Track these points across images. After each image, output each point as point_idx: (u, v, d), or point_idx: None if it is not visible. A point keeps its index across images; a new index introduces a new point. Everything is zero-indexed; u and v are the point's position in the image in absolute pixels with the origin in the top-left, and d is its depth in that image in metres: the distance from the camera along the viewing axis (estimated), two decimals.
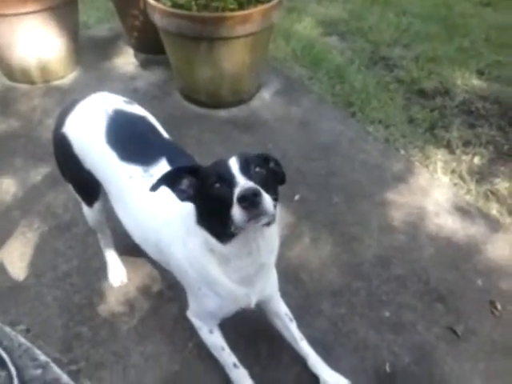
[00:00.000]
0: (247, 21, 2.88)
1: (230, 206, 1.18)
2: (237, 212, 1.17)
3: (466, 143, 2.96)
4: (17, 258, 2.25)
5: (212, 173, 1.29)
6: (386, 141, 3.02)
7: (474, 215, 2.49)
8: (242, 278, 1.45)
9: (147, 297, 2.08)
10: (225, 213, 1.20)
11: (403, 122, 3.16)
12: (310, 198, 2.60)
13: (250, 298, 1.53)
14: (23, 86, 3.54)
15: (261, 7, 2.94)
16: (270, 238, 1.42)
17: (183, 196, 1.36)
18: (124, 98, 1.82)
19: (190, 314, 1.70)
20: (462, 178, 2.72)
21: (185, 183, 1.36)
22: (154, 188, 1.33)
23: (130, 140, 1.66)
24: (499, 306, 2.04)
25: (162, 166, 1.58)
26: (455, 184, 2.69)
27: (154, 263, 2.15)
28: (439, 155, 2.87)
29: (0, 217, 2.47)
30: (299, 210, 2.52)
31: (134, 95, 3.37)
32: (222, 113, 3.26)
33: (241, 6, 2.96)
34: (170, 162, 1.60)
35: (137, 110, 1.79)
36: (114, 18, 4.20)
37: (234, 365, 1.69)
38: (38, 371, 0.86)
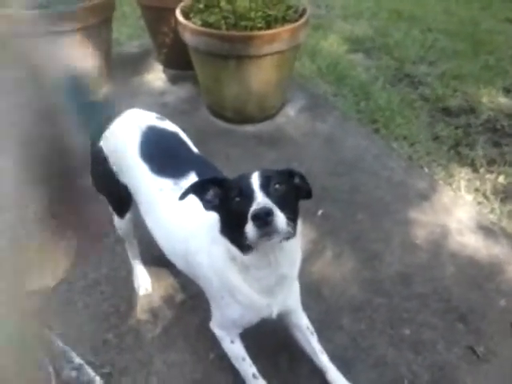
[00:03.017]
0: (275, 40, 2.96)
1: (246, 220, 1.25)
2: (250, 228, 1.25)
3: (491, 162, 2.95)
4: (51, 264, 2.33)
5: (235, 186, 1.37)
6: (409, 158, 3.03)
7: (498, 235, 2.48)
8: (263, 287, 1.50)
9: (171, 306, 2.15)
10: (242, 226, 1.27)
11: (427, 139, 3.18)
12: (334, 214, 2.63)
13: (271, 308, 1.58)
14: None
15: (288, 26, 3.02)
16: (290, 252, 1.48)
17: (209, 205, 1.44)
18: (156, 115, 1.92)
19: (213, 325, 1.75)
20: (485, 196, 2.71)
21: (211, 193, 1.44)
22: (183, 196, 1.42)
23: (162, 154, 1.76)
24: None
25: (191, 179, 1.66)
26: (479, 203, 2.69)
27: (177, 274, 2.22)
28: (463, 173, 2.88)
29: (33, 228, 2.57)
30: (322, 226, 2.55)
31: (163, 110, 3.47)
32: (248, 128, 3.34)
33: (268, 25, 3.05)
34: (199, 175, 1.69)
35: (168, 125, 1.88)
36: (145, 35, 4.35)
37: (254, 375, 1.73)
38: (74, 373, 0.93)
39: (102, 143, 1.85)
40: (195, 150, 1.86)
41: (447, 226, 2.55)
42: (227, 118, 3.38)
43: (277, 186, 1.34)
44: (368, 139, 3.23)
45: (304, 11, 3.19)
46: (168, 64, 4.11)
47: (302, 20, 3.09)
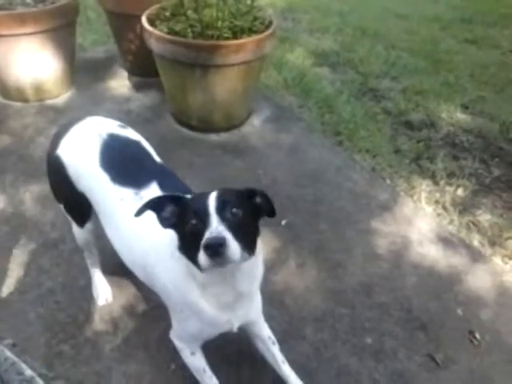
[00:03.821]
0: (241, 50, 2.97)
1: (199, 245, 1.22)
2: (202, 257, 1.23)
3: (450, 175, 3.03)
4: (2, 273, 2.24)
5: (191, 207, 1.33)
6: (372, 170, 3.09)
7: (457, 245, 2.54)
8: (221, 304, 1.48)
9: (132, 316, 2.09)
10: (197, 248, 1.24)
11: (390, 152, 3.24)
12: (297, 224, 2.63)
13: (231, 323, 1.56)
14: (17, 104, 3.58)
15: (254, 37, 3.03)
16: (249, 270, 1.45)
17: (166, 223, 1.40)
18: (118, 123, 1.86)
19: (173, 336, 1.71)
20: (445, 208, 2.78)
21: (168, 211, 1.39)
22: (139, 213, 1.37)
23: (123, 163, 1.70)
24: (478, 336, 2.07)
25: (153, 190, 1.62)
26: (439, 214, 2.75)
27: (139, 283, 2.14)
28: (424, 186, 2.94)
29: None
30: (286, 235, 2.55)
31: (128, 117, 3.43)
32: (213, 137, 3.32)
33: (235, 35, 3.05)
34: (161, 185, 1.64)
35: (131, 134, 1.83)
36: (110, 41, 4.29)
37: None
38: None
39: (59, 151, 1.76)
40: (158, 159, 1.81)
41: (408, 236, 2.60)
42: (192, 127, 3.35)
43: (234, 210, 1.29)
44: (332, 151, 3.26)
45: (270, 23, 3.22)
46: (133, 71, 4.06)
47: (269, 31, 3.11)
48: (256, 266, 1.49)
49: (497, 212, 2.76)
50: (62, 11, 3.39)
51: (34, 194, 2.72)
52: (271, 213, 1.42)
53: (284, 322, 2.09)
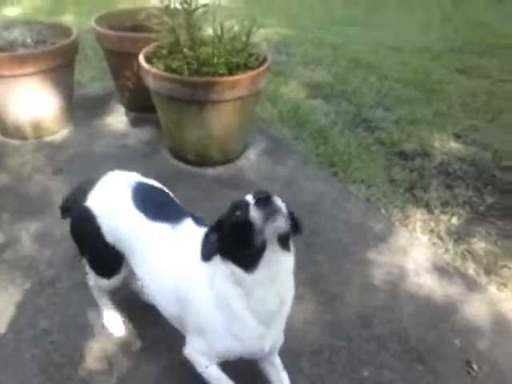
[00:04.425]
0: (236, 86, 3.04)
1: (248, 224, 1.32)
2: (254, 213, 1.31)
3: (444, 203, 3.06)
4: None
5: (232, 209, 1.44)
6: (367, 200, 3.12)
7: (452, 274, 2.55)
8: (267, 311, 1.51)
9: (127, 354, 2.07)
10: (245, 233, 1.33)
11: (384, 182, 3.28)
12: (294, 256, 2.63)
13: (263, 341, 1.58)
14: (15, 142, 3.64)
15: (249, 73, 3.11)
16: (288, 268, 1.54)
17: (211, 253, 1.50)
18: (139, 174, 1.98)
19: (192, 351, 1.71)
20: (440, 237, 2.80)
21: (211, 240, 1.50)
22: (209, 256, 1.50)
23: (155, 204, 1.84)
24: (475, 367, 2.06)
25: (188, 224, 1.76)
26: (434, 243, 2.77)
27: (134, 320, 2.17)
28: (418, 215, 2.97)
29: None
30: None
31: (125, 152, 3.48)
32: (210, 171, 3.37)
33: (230, 72, 3.13)
34: (195, 221, 1.79)
35: (154, 182, 1.97)
36: (107, 77, 4.38)
37: None
38: None
39: (88, 203, 1.83)
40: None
41: (404, 266, 2.61)
42: (189, 161, 3.40)
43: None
44: (326, 182, 3.30)
45: (265, 59, 3.30)
46: (130, 107, 4.14)
47: (263, 67, 3.19)
48: (291, 268, 1.56)
49: (491, 240, 2.77)
50: (61, 52, 3.48)
51: (30, 232, 2.74)
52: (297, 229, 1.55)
53: (281, 355, 2.05)
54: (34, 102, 3.51)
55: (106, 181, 1.90)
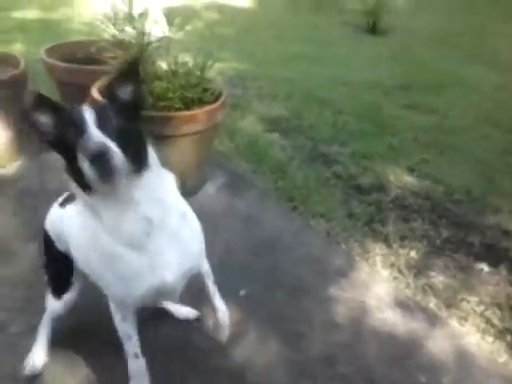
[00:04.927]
0: (192, 120, 3.01)
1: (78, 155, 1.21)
2: (87, 169, 1.19)
3: (402, 237, 3.09)
4: None
5: (69, 119, 1.29)
6: (327, 235, 3.11)
7: (414, 309, 2.55)
8: (127, 237, 1.40)
9: None
10: (77, 165, 1.23)
11: (343, 216, 3.29)
12: (255, 294, 2.58)
13: (158, 271, 1.48)
14: None
15: (206, 108, 3.09)
16: (152, 191, 1.42)
17: (45, 135, 1.34)
18: None
19: (109, 301, 1.70)
20: (400, 271, 2.81)
21: (47, 119, 1.33)
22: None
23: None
24: None
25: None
26: (395, 278, 2.77)
27: (94, 366, 2.03)
28: (378, 249, 2.98)
29: None
30: (245, 306, 2.48)
31: None
32: None
33: (186, 106, 3.09)
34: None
35: None
36: None
37: (136, 355, 1.75)
38: None
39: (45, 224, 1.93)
40: None
41: (366, 302, 2.59)
42: None
43: (111, 119, 1.29)
44: (286, 217, 3.28)
45: (220, 94, 3.29)
46: None
47: (219, 102, 3.18)
48: (162, 186, 1.48)
49: (449, 273, 2.81)
50: (8, 84, 3.37)
51: None
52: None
53: None
54: None
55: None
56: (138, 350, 1.76)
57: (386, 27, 8.33)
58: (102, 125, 1.26)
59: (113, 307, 1.69)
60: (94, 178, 1.20)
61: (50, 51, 3.85)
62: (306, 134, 4.47)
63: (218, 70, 5.33)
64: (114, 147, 1.20)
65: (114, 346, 1.80)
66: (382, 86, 5.87)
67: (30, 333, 2.07)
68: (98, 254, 1.49)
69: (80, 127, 1.25)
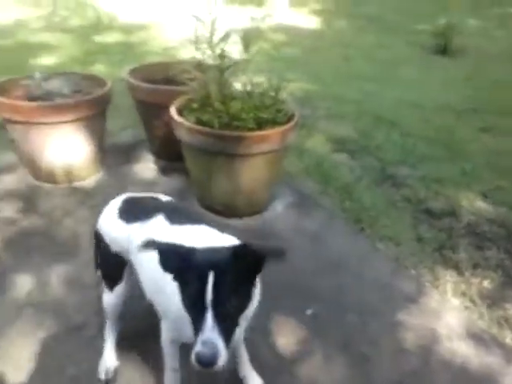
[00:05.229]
0: (264, 140, 3.10)
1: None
2: (193, 359, 1.26)
3: (475, 265, 2.99)
4: (26, 356, 2.24)
5: (194, 275, 1.35)
6: (395, 259, 3.07)
7: (489, 343, 2.45)
8: None
9: None
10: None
11: (412, 240, 3.24)
12: (322, 314, 2.59)
13: None
14: (47, 186, 3.71)
15: (278, 129, 3.17)
16: None
17: (168, 268, 1.42)
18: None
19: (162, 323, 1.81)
20: (472, 301, 2.72)
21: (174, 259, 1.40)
22: (144, 247, 1.41)
23: (135, 209, 2.01)
24: None
25: (159, 220, 1.85)
26: (466, 307, 2.68)
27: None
28: (448, 276, 2.90)
29: (13, 313, 2.49)
30: (311, 326, 2.50)
31: None
32: (237, 222, 3.36)
33: (259, 126, 3.19)
34: (168, 217, 1.86)
35: (151, 194, 2.20)
36: (137, 126, 4.48)
37: (174, 369, 1.86)
38: None
39: (98, 225, 2.08)
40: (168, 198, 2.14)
41: (436, 330, 2.53)
42: (216, 211, 3.41)
43: (231, 299, 1.34)
44: (354, 239, 3.27)
45: (293, 115, 3.36)
46: (159, 155, 4.22)
47: (291, 123, 3.25)
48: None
49: None
50: (96, 101, 3.61)
51: (59, 276, 2.75)
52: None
53: None
54: (67, 149, 3.59)
55: (111, 203, 2.12)
56: (177, 365, 1.84)
57: (458, 48, 8.14)
58: (218, 306, 1.30)
59: (164, 328, 1.78)
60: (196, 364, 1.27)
61: (133, 72, 4.09)
62: (374, 156, 4.44)
63: (287, 91, 5.42)
64: (223, 349, 1.26)
65: None
66: (454, 109, 5.72)
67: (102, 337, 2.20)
68: (168, 287, 1.54)
69: (199, 292, 1.31)
